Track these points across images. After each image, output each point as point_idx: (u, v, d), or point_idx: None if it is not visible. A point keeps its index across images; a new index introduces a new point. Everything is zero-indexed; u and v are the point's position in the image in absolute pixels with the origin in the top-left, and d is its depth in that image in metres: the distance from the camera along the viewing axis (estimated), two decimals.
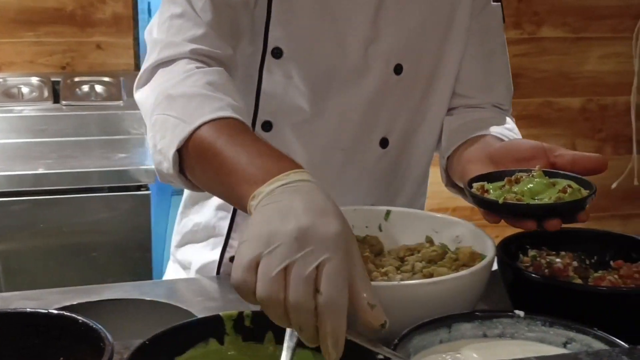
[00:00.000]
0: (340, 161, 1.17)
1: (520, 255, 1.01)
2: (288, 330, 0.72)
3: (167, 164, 0.94)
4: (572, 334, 0.77)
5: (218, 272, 1.21)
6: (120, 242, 2.01)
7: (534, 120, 2.83)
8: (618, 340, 0.74)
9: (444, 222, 1.01)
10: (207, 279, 1.19)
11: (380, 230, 1.04)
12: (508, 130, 1.16)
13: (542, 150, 1.00)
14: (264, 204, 0.74)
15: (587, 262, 1.03)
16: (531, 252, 1.01)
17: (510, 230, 0.97)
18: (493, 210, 0.93)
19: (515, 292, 0.93)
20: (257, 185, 0.77)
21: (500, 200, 0.91)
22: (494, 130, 1.14)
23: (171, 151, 0.92)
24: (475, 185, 0.97)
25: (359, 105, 1.16)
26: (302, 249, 0.68)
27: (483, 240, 0.93)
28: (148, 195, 2.01)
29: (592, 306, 0.86)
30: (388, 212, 1.04)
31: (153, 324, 0.77)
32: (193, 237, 1.26)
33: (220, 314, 0.78)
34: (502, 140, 1.12)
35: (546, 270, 0.97)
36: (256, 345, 0.78)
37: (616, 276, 0.98)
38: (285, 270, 0.67)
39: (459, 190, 1.16)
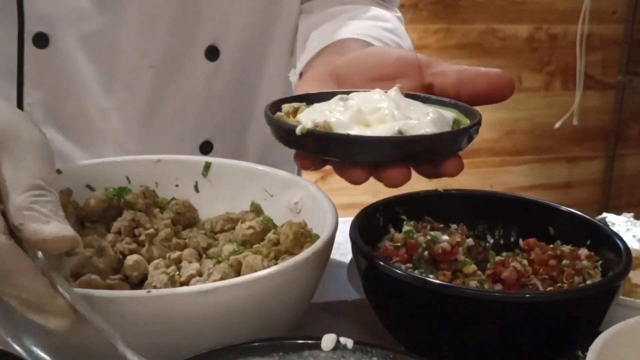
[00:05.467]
0: (150, 84, 0.84)
1: (391, 230, 0.71)
2: None
3: None
4: None
5: None
6: None
7: (475, 50, 2.51)
8: None
9: (284, 182, 0.69)
10: None
11: (197, 190, 0.73)
12: (387, 31, 0.81)
13: (413, 65, 0.65)
14: None
15: (490, 239, 0.74)
16: (407, 226, 0.70)
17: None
18: (295, 144, 0.56)
19: (372, 292, 0.63)
20: None
21: (300, 129, 0.54)
22: (364, 31, 0.79)
23: None
24: (285, 107, 0.62)
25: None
26: None
27: (323, 210, 0.62)
28: None
29: (474, 319, 0.57)
30: (208, 165, 0.72)
31: None
32: None
33: None
34: (361, 41, 0.78)
35: (425, 253, 0.67)
36: None
37: (525, 262, 0.68)
38: None
39: None
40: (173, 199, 0.70)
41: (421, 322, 0.60)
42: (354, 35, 0.77)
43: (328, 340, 0.47)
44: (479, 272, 0.68)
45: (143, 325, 0.47)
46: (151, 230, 0.62)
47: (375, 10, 0.87)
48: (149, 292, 0.47)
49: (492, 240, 0.73)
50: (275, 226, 0.64)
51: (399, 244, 0.68)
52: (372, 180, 0.59)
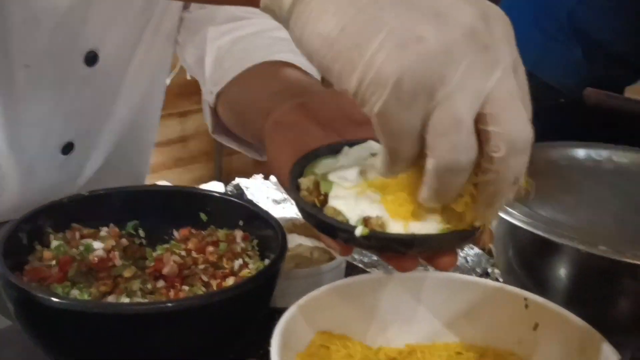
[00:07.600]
0: (23, 82, 0.79)
1: (38, 248, 0.64)
2: None
3: None
4: None
5: None
6: None
7: None
8: None
9: None
10: None
11: None
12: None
13: None
14: None
15: (143, 233, 0.71)
16: (55, 240, 0.65)
17: None
18: (351, 242, 0.51)
19: (28, 323, 0.57)
20: None
21: (361, 232, 0.49)
22: (285, 54, 0.79)
23: None
24: (304, 182, 0.54)
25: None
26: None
27: None
28: None
29: (142, 333, 0.55)
30: None
31: None
32: None
33: None
34: (301, 70, 0.78)
35: (75, 265, 0.62)
36: None
37: (184, 252, 0.67)
38: None
39: (236, 138, 0.85)
40: None
41: (84, 346, 0.56)
42: (286, 59, 0.79)
43: None
44: (139, 272, 0.66)
45: None
46: None
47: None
48: None
49: (144, 235, 0.71)
50: None
51: (51, 263, 0.62)
52: None
